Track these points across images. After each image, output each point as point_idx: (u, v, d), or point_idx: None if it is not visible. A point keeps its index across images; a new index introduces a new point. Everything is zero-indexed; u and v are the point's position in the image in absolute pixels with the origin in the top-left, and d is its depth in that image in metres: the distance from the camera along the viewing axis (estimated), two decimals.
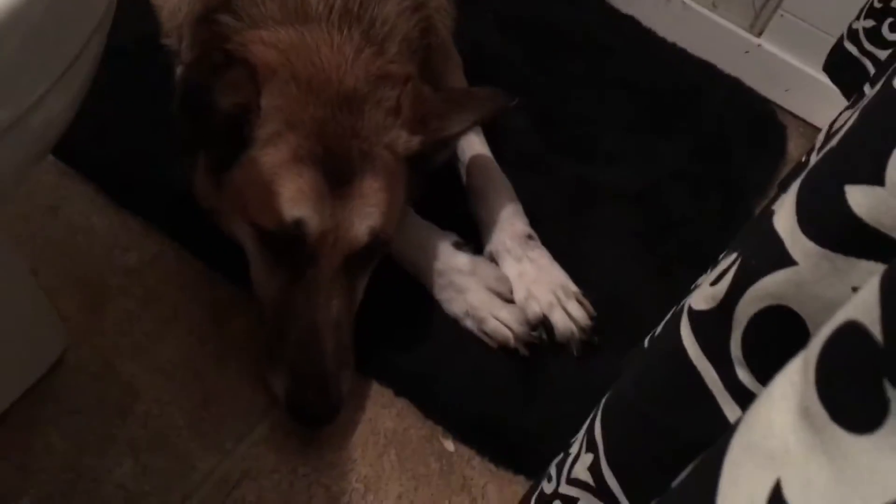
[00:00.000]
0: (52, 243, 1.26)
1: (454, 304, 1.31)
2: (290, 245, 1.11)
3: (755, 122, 1.80)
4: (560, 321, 1.31)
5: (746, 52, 1.86)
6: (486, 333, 1.30)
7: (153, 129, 1.40)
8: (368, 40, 1.18)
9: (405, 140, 1.17)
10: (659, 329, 1.05)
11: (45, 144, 0.80)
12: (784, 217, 0.66)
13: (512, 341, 1.28)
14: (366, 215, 1.11)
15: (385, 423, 1.22)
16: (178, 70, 1.33)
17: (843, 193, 0.59)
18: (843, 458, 0.45)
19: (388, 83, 1.16)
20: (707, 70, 1.86)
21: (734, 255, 0.76)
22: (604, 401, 0.97)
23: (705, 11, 1.88)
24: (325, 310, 1.12)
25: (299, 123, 1.11)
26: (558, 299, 1.32)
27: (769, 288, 0.67)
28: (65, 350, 1.16)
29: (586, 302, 1.34)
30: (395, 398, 1.25)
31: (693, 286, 1.11)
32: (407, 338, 1.29)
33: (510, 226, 1.37)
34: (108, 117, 1.36)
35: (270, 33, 1.15)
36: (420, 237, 1.32)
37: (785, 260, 0.65)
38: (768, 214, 0.71)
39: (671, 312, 1.01)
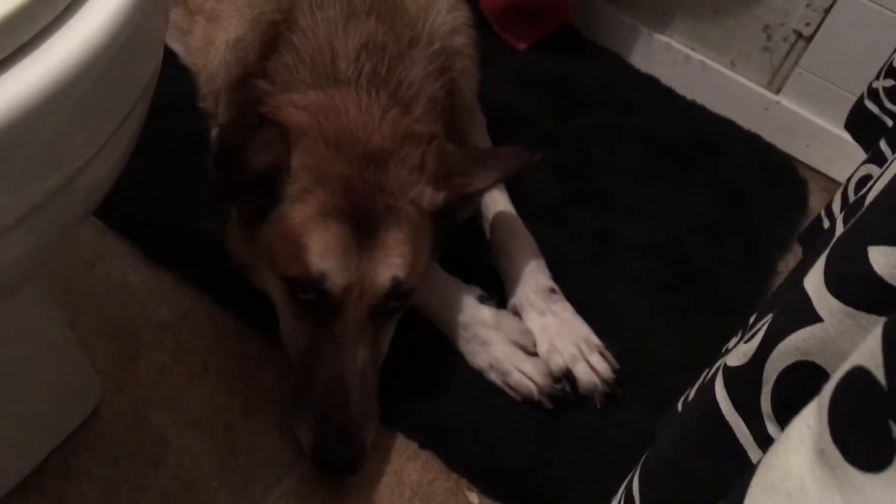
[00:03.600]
0: (88, 298, 1.30)
1: (478, 356, 1.33)
2: (317, 297, 1.15)
3: (775, 176, 1.82)
4: (583, 374, 1.32)
5: (765, 108, 1.89)
6: (510, 386, 1.31)
7: (186, 188, 1.46)
8: (395, 101, 1.23)
9: (430, 196, 1.21)
10: (696, 387, 1.07)
11: (90, 206, 0.84)
12: (813, 276, 0.69)
13: (536, 394, 1.30)
14: (389, 265, 1.15)
15: (410, 475, 1.24)
16: (214, 131, 1.39)
17: (865, 253, 0.62)
18: (856, 495, 0.47)
19: (413, 141, 1.20)
20: (726, 126, 1.89)
21: (770, 315, 0.78)
22: (643, 459, 0.98)
23: (724, 70, 1.92)
24: (352, 360, 1.15)
25: (327, 180, 1.15)
26: (581, 352, 1.34)
27: (797, 344, 0.69)
28: (100, 402, 1.19)
29: (609, 355, 1.35)
30: (419, 450, 1.27)
31: (724, 349, 1.13)
32: (432, 390, 1.31)
33: (533, 280, 1.40)
34: (143, 176, 1.41)
35: (301, 96, 1.20)
36: (445, 291, 1.35)
37: (812, 317, 0.68)
38: (801, 274, 0.75)
39: (708, 371, 1.03)
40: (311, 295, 1.15)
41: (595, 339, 1.36)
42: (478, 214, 1.48)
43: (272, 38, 1.24)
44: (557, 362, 1.33)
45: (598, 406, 1.33)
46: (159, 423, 1.20)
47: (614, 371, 1.34)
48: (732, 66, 1.92)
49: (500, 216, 1.45)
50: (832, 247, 0.69)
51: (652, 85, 1.95)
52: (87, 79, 0.62)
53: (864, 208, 0.72)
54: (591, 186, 1.69)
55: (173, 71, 1.51)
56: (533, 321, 1.37)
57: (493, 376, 1.32)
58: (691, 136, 1.86)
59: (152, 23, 0.74)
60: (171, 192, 1.46)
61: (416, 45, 1.29)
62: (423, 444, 1.27)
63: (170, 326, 1.32)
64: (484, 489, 1.25)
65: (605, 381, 1.33)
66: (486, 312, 1.34)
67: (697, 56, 1.94)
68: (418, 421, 1.28)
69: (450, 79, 1.33)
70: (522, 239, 1.44)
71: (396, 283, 1.15)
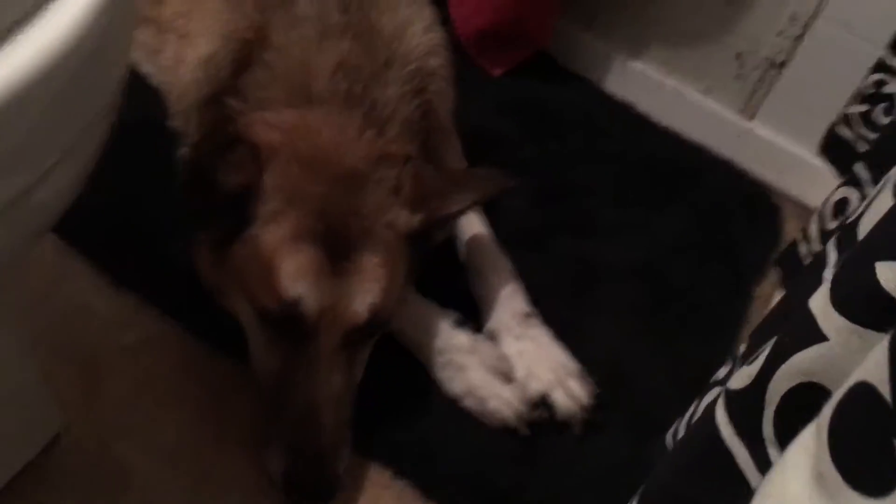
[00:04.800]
0: (49, 322, 1.25)
1: (454, 382, 1.30)
2: (289, 322, 1.11)
3: (749, 202, 1.82)
4: (561, 400, 1.30)
5: (739, 135, 1.90)
6: (486, 413, 1.28)
7: (153, 208, 1.43)
8: (370, 122, 1.20)
9: (406, 219, 1.18)
10: (693, 413, 1.05)
11: (48, 220, 0.81)
12: (819, 296, 0.68)
13: (513, 421, 1.27)
14: (365, 291, 1.11)
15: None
16: (184, 150, 1.35)
17: (873, 270, 0.60)
18: None
19: (388, 163, 1.18)
20: (700, 152, 1.89)
21: (773, 338, 0.76)
22: (641, 490, 0.96)
23: (698, 96, 1.92)
24: (325, 385, 1.11)
25: (300, 201, 1.12)
26: (559, 378, 1.31)
27: (801, 364, 0.68)
28: (60, 430, 1.14)
29: (588, 380, 1.33)
30: (394, 478, 1.23)
31: (712, 379, 1.11)
32: (406, 417, 1.28)
33: (510, 304, 1.37)
34: (107, 195, 1.36)
35: (274, 115, 1.17)
36: (420, 315, 1.32)
37: (817, 336, 0.66)
38: (797, 297, 0.73)
39: (699, 400, 1.01)
40: (283, 320, 1.11)
41: (573, 364, 1.34)
42: (452, 237, 1.46)
43: (245, 56, 1.21)
44: (535, 388, 1.30)
45: (577, 432, 1.30)
46: (123, 453, 1.16)
47: (593, 396, 1.31)
48: (707, 92, 1.92)
49: (475, 239, 1.43)
50: (840, 266, 0.68)
51: (626, 111, 1.95)
52: (52, 81, 0.59)
53: (872, 227, 0.70)
54: (568, 211, 1.67)
55: (143, 91, 1.49)
56: (510, 346, 1.34)
57: (469, 402, 1.29)
58: (666, 161, 1.86)
59: (120, 26, 0.71)
60: (137, 213, 1.42)
61: (391, 65, 1.27)
62: (398, 473, 1.23)
63: (135, 352, 1.27)
64: None
65: (583, 407, 1.30)
66: (461, 338, 1.31)
67: (672, 83, 1.94)
68: (393, 448, 1.25)
69: (425, 100, 1.31)
70: (499, 262, 1.42)
71: (374, 310, 1.12)
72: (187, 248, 1.25)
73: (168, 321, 1.31)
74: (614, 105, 1.96)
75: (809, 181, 1.85)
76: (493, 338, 1.35)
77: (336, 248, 1.11)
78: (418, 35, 1.30)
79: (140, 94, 1.47)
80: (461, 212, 1.26)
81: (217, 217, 1.16)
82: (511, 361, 1.32)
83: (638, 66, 1.96)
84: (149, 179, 1.45)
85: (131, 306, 1.32)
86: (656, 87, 1.95)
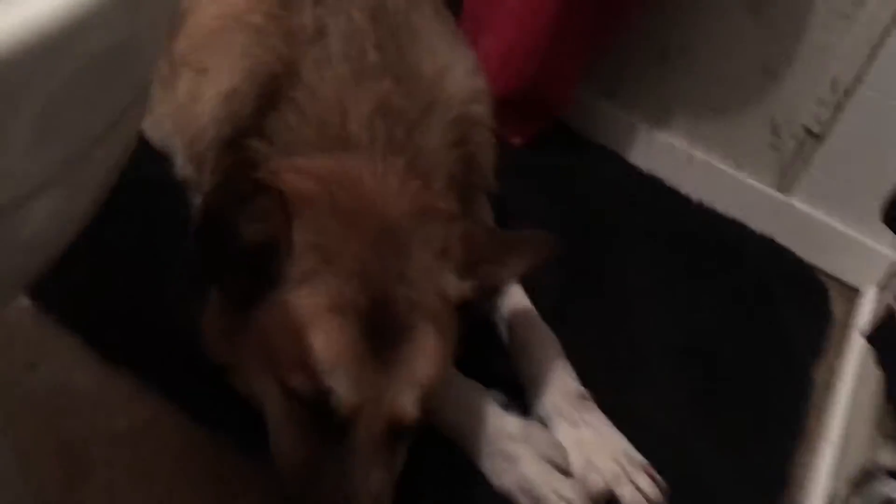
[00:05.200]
0: (28, 404, 1.05)
1: (505, 476, 1.11)
2: (322, 406, 0.92)
3: (794, 282, 1.68)
4: (630, 498, 1.11)
5: (776, 211, 1.78)
6: None
7: (149, 275, 1.25)
8: (414, 172, 1.05)
9: (455, 286, 1.01)
10: None
11: (26, 268, 0.61)
12: None
13: None
14: (415, 384, 0.94)
15: None
16: (197, 200, 1.19)
17: None
18: None
19: (435, 221, 1.02)
20: (738, 228, 1.76)
21: None
22: None
23: (730, 170, 1.81)
24: (363, 483, 0.92)
25: (338, 262, 0.95)
26: (625, 472, 1.13)
27: None
28: None
29: (656, 474, 1.14)
30: None
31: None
32: None
33: (561, 384, 1.20)
34: (96, 265, 1.20)
35: (306, 161, 1.02)
36: (463, 397, 1.14)
37: None
38: None
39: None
40: (315, 404, 0.93)
41: (638, 456, 1.16)
42: (490, 309, 1.29)
43: (271, 93, 1.06)
44: (597, 483, 1.11)
45: None
46: None
47: (664, 495, 1.13)
48: (738, 166, 1.81)
49: (519, 312, 1.27)
50: None
51: (655, 185, 1.82)
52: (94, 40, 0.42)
53: None
54: (603, 287, 1.52)
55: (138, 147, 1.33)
56: (565, 434, 1.16)
57: (522, 501, 1.10)
58: (701, 237, 1.73)
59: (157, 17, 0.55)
60: (130, 280, 1.24)
61: (433, 111, 1.12)
62: None
63: (127, 440, 1.07)
64: None
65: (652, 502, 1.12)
66: (511, 423, 1.13)
67: (700, 155, 1.83)
68: None
69: (467, 152, 1.17)
70: (545, 337, 1.25)
71: (424, 405, 0.95)
72: (193, 314, 1.07)
73: (165, 406, 1.11)
74: (641, 178, 1.84)
75: (854, 260, 1.73)
76: (542, 423, 1.17)
77: (380, 324, 0.93)
78: (460, 80, 1.17)
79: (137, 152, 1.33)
80: (513, 278, 1.10)
81: (235, 275, 0.99)
82: (566, 451, 1.14)
83: (664, 137, 1.85)
84: (143, 241, 1.28)
85: (123, 388, 1.12)
86: (685, 159, 1.84)
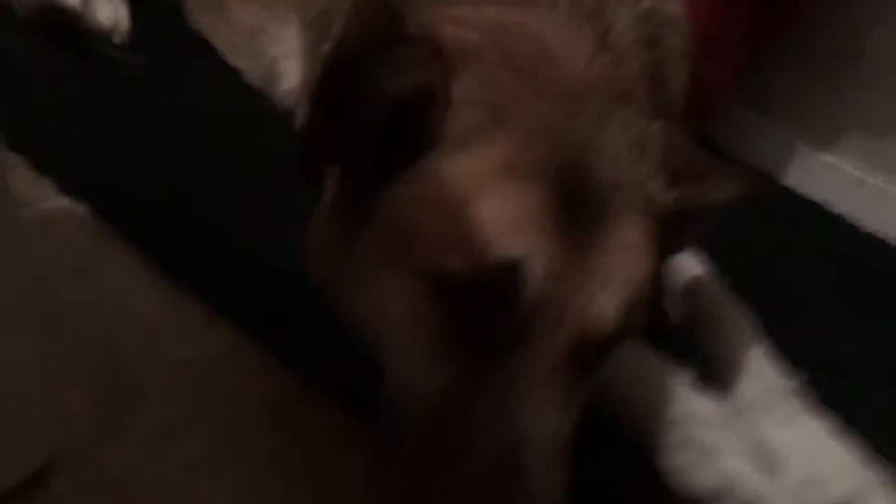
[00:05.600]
0: (71, 313, 0.79)
1: (698, 473, 0.80)
2: (484, 308, 0.64)
3: None
4: None
5: None
6: None
7: (237, 210, 1.01)
8: (604, 47, 0.80)
9: (659, 192, 0.74)
10: None
11: None
12: None
13: None
14: (621, 284, 0.66)
15: None
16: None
17: None
18: None
19: (632, 107, 0.76)
20: None
21: None
22: None
23: None
24: (536, 425, 0.63)
25: (516, 120, 0.69)
26: (857, 487, 0.81)
27: None
28: (52, 462, 0.65)
29: None
30: None
31: None
32: None
33: (763, 371, 0.90)
34: (166, 177, 0.98)
35: (472, 11, 0.78)
36: (641, 367, 0.85)
37: None
38: None
39: None
40: (473, 305, 0.65)
41: (873, 471, 0.84)
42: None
43: None
44: (820, 497, 0.79)
45: None
46: None
47: None
48: None
49: (700, 281, 0.98)
50: None
51: (816, 210, 1.55)
52: None
53: None
54: (781, 304, 1.22)
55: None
56: (771, 433, 0.85)
57: None
58: (876, 269, 1.43)
59: None
60: (200, 199, 1.00)
61: None
62: None
63: (191, 372, 0.79)
64: None
65: None
66: (708, 407, 0.83)
67: (873, 181, 1.55)
68: None
69: (657, 59, 0.92)
70: (739, 313, 0.96)
71: (629, 315, 0.66)
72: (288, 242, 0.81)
73: (245, 338, 0.84)
74: (801, 202, 1.56)
75: None
76: (740, 416, 0.87)
77: (575, 199, 0.67)
78: None
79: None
80: (721, 204, 0.82)
81: (364, 145, 0.73)
82: (776, 454, 0.83)
83: (828, 158, 1.59)
84: (239, 175, 1.05)
85: (193, 311, 0.85)
86: (853, 184, 1.56)
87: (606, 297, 0.65)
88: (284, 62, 1.10)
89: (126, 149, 1.06)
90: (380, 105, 0.70)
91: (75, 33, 1.17)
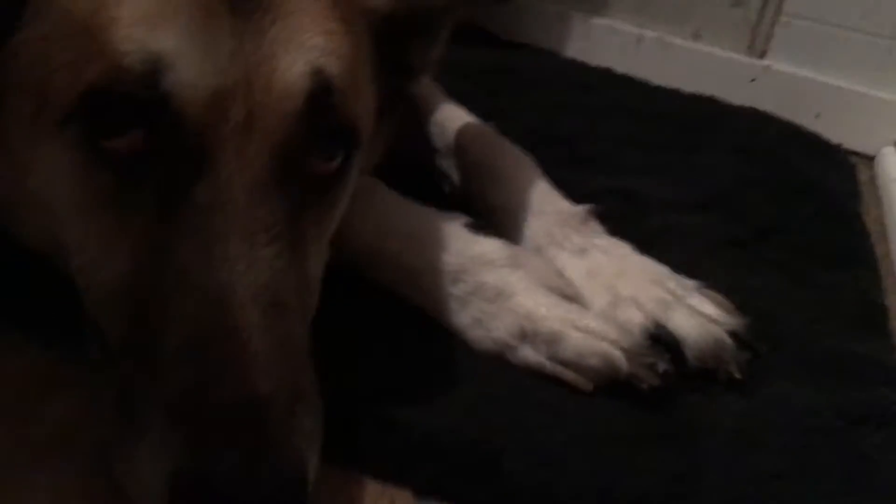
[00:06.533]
0: None
1: (493, 322, 0.69)
2: (148, 137, 0.51)
3: (792, 139, 1.34)
4: (689, 325, 0.71)
5: (753, 79, 1.46)
6: (565, 362, 0.67)
7: None
8: None
9: None
10: None
11: None
12: None
13: (624, 365, 0.66)
14: (302, 46, 0.54)
15: None
16: None
17: None
18: None
19: None
20: (711, 104, 1.43)
21: None
22: None
23: (687, 43, 1.49)
24: (242, 270, 0.49)
25: None
26: (672, 294, 0.72)
27: None
28: None
29: (717, 295, 0.74)
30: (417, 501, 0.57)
31: None
32: (423, 393, 0.64)
33: (550, 206, 0.80)
34: None
35: None
36: (409, 222, 0.73)
37: None
38: None
39: None
40: (136, 133, 0.51)
41: (682, 279, 0.76)
42: (430, 154, 0.90)
43: None
44: (633, 317, 0.70)
45: (738, 374, 0.70)
46: None
47: (736, 315, 0.73)
48: (697, 37, 1.49)
49: (470, 130, 0.88)
50: None
51: (604, 75, 1.49)
52: None
53: None
54: (578, 153, 1.15)
55: None
56: (570, 266, 0.75)
57: (526, 353, 0.68)
58: (674, 117, 1.38)
59: None
60: None
61: None
62: (424, 489, 0.58)
63: None
64: None
65: (731, 332, 0.71)
66: (490, 245, 0.72)
67: (651, 34, 1.51)
68: (407, 447, 0.60)
69: None
70: (514, 155, 0.86)
71: (323, 83, 0.53)
72: None
73: None
74: (587, 71, 1.50)
75: (854, 118, 1.41)
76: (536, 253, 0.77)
77: None
78: None
79: None
80: (445, 8, 0.71)
81: None
82: (578, 282, 0.73)
83: (603, 22, 1.53)
84: None
85: None
86: (633, 42, 1.52)
87: (287, 62, 0.53)
88: None
89: None
90: None
91: None
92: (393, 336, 0.69)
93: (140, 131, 0.51)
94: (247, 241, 0.50)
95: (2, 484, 0.53)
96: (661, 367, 0.67)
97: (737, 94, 1.44)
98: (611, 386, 0.66)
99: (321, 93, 0.53)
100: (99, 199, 0.52)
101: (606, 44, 1.52)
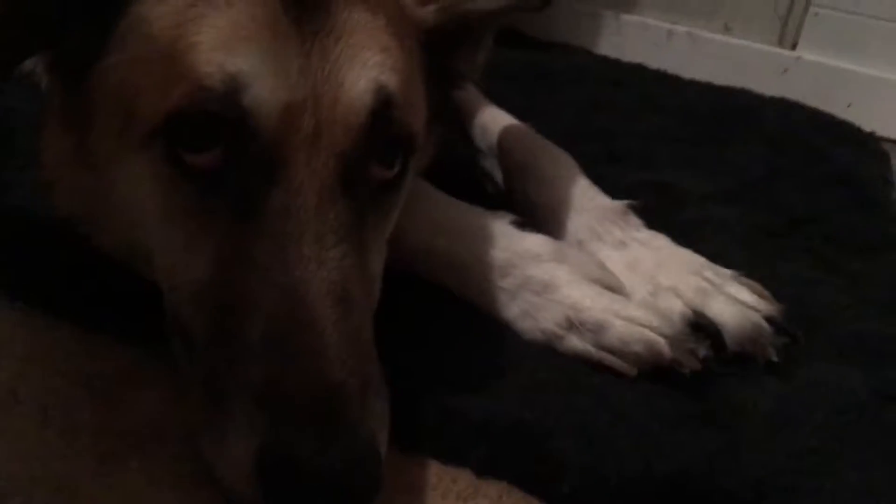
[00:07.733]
0: None
1: (541, 313, 0.73)
2: (226, 152, 0.56)
3: (827, 131, 1.37)
4: (728, 313, 0.74)
5: (784, 70, 1.48)
6: (610, 350, 0.71)
7: None
8: None
9: (412, 6, 0.68)
10: None
11: None
12: None
13: (667, 351, 0.70)
14: (366, 63, 0.59)
15: None
16: None
17: None
18: None
19: None
20: (745, 96, 1.46)
21: None
22: None
23: (718, 37, 1.52)
24: (315, 268, 0.54)
25: None
26: (710, 283, 0.76)
27: None
28: None
29: (754, 283, 0.78)
30: (479, 482, 0.62)
31: None
32: (475, 381, 0.69)
33: (591, 203, 0.85)
34: None
35: None
36: (458, 221, 0.78)
37: None
38: None
39: None
40: (216, 148, 0.57)
41: (720, 268, 0.79)
42: (473, 154, 0.94)
43: None
44: (673, 306, 0.74)
45: (775, 357, 0.73)
46: None
47: (774, 303, 0.76)
48: (727, 30, 1.52)
49: (511, 131, 0.92)
50: None
51: (637, 70, 1.52)
52: None
53: None
54: (614, 149, 1.20)
55: None
56: (611, 258, 0.80)
57: (573, 341, 0.72)
58: (706, 110, 1.41)
59: None
60: None
61: None
62: (483, 467, 0.63)
63: None
64: None
65: (768, 318, 0.74)
66: (535, 241, 0.76)
67: (681, 28, 1.54)
68: (465, 430, 0.65)
69: None
70: (555, 154, 0.90)
71: (384, 98, 0.58)
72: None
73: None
74: (620, 68, 1.53)
75: (888, 105, 1.43)
76: (579, 248, 0.81)
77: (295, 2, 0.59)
78: None
79: None
80: (488, 14, 0.75)
81: (63, 27, 0.63)
82: (619, 278, 0.77)
83: (634, 18, 1.57)
84: None
85: None
86: (664, 37, 1.55)
87: (352, 79, 0.58)
88: None
89: None
90: None
91: None
92: (448, 329, 0.74)
93: (220, 148, 0.56)
94: (318, 243, 0.55)
95: (100, 468, 0.59)
96: (702, 352, 0.71)
97: (768, 86, 1.47)
98: (653, 371, 0.71)
99: (382, 107, 0.58)
100: (182, 207, 0.58)
101: (638, 40, 1.56)
